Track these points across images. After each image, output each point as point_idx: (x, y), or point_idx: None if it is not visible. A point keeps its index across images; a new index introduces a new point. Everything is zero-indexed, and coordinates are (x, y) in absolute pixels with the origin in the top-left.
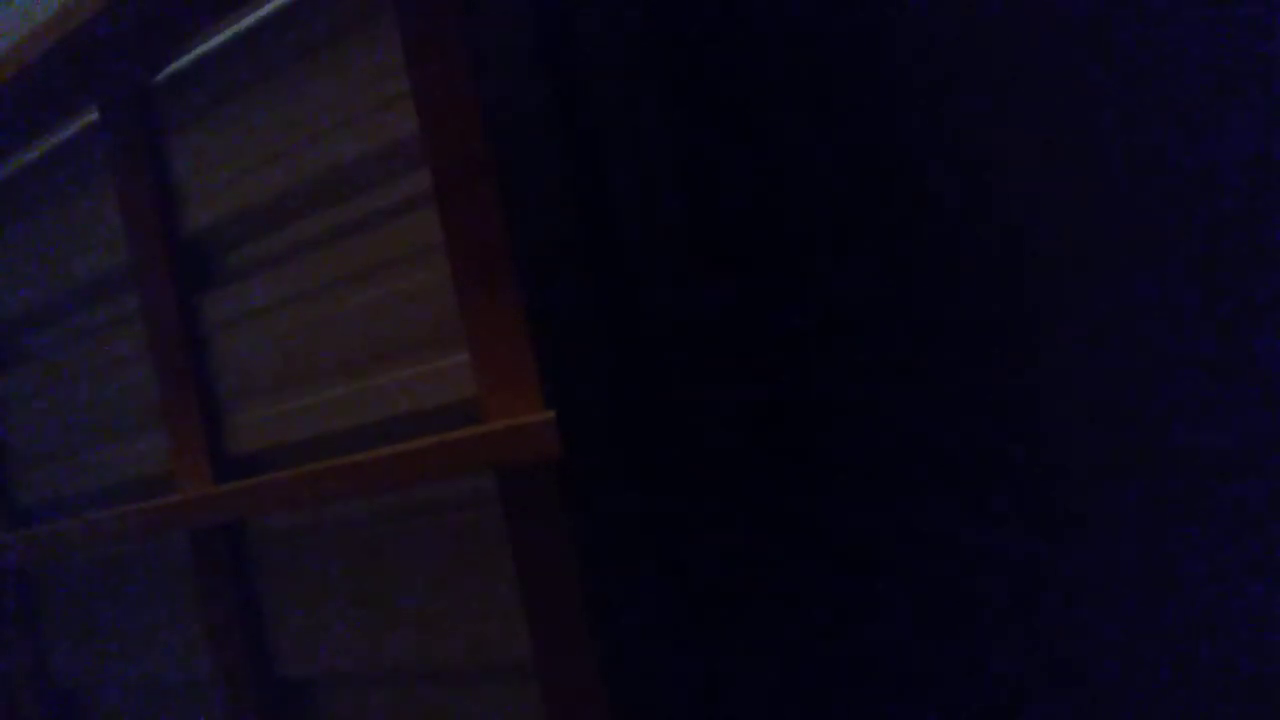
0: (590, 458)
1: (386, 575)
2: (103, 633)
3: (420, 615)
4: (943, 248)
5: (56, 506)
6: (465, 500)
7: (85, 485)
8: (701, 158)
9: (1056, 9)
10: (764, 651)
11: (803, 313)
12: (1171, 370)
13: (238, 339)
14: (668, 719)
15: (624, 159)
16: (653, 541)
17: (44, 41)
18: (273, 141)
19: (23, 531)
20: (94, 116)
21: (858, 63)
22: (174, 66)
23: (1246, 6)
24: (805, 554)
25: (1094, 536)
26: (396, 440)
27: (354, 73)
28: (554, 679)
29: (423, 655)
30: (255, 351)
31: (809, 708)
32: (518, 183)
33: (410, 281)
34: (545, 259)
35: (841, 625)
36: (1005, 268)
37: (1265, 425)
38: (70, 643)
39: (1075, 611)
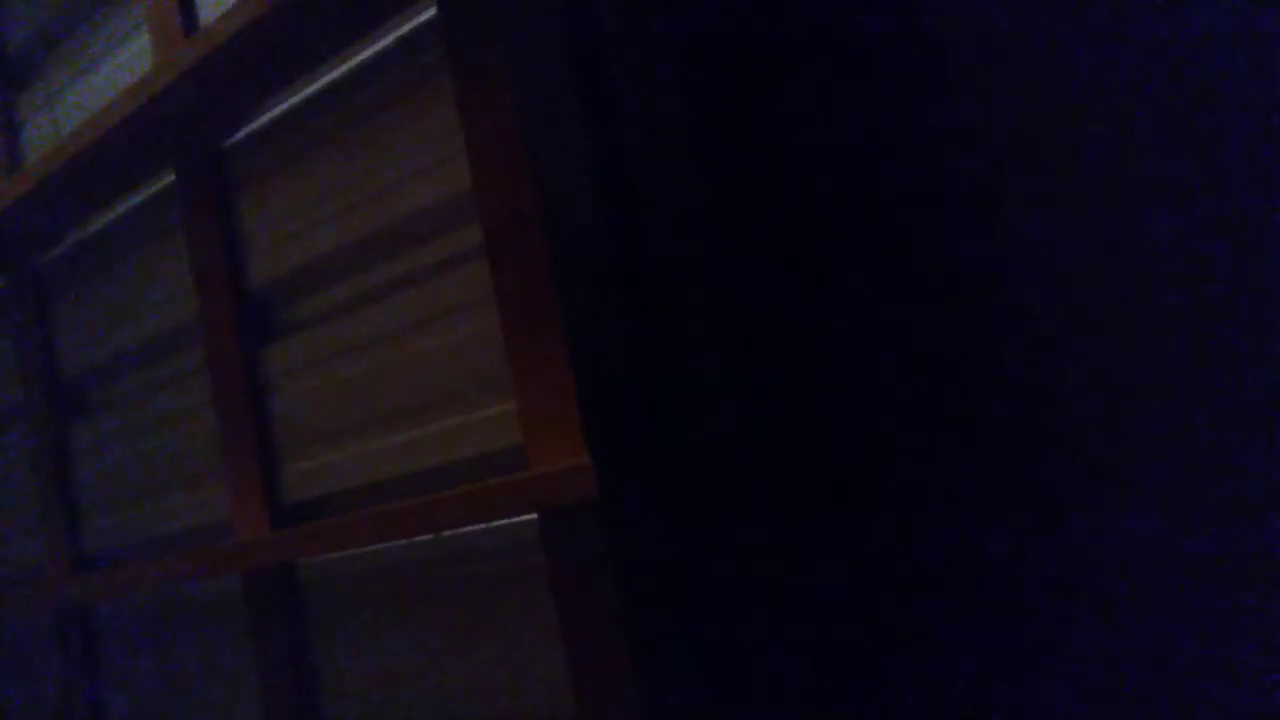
0: (631, 502)
1: (430, 622)
2: (158, 676)
3: (464, 662)
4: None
5: (121, 552)
6: (512, 548)
7: (149, 531)
8: (740, 201)
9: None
10: (811, 693)
11: (842, 351)
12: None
13: (296, 389)
14: None
15: (663, 206)
16: (696, 585)
17: (124, 109)
18: (332, 200)
19: (87, 574)
20: (170, 179)
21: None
22: (244, 131)
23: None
24: (854, 594)
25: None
26: (447, 486)
27: (409, 135)
28: None
29: (466, 702)
30: (312, 401)
31: None
32: (563, 235)
33: (460, 332)
34: (589, 308)
35: (893, 662)
36: (1039, 264)
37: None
38: (128, 685)
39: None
